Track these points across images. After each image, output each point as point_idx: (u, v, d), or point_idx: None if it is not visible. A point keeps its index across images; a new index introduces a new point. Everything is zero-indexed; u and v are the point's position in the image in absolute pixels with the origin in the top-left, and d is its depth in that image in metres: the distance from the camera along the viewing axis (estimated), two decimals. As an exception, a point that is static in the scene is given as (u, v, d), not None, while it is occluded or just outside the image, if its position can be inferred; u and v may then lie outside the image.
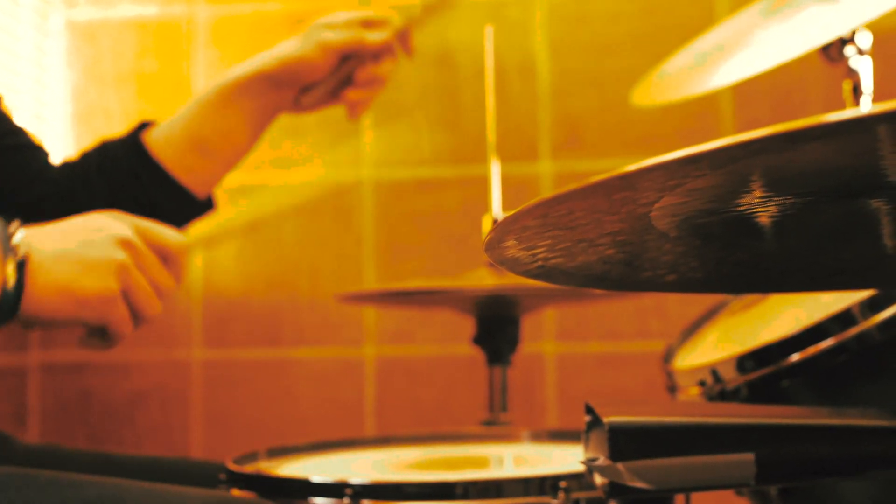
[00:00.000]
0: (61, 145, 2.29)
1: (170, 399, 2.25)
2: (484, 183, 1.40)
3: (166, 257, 1.08)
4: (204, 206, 1.38)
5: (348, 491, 0.91)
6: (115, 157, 1.33)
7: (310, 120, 2.19)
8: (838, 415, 0.76)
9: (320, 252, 2.23)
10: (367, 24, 1.35)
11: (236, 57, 2.28)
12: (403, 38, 1.38)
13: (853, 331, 0.94)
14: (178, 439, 2.24)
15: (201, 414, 2.24)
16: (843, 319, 0.95)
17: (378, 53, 1.36)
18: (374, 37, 1.35)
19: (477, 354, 1.45)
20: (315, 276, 2.23)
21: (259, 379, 2.23)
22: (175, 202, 1.34)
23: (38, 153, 1.33)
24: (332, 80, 1.36)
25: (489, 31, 1.41)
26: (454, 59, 2.20)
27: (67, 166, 1.35)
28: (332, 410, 2.20)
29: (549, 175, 2.18)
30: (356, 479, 0.93)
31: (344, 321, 2.21)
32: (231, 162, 1.38)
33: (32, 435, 2.26)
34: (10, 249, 0.95)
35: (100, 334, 1.07)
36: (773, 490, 1.02)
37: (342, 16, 1.35)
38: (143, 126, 1.35)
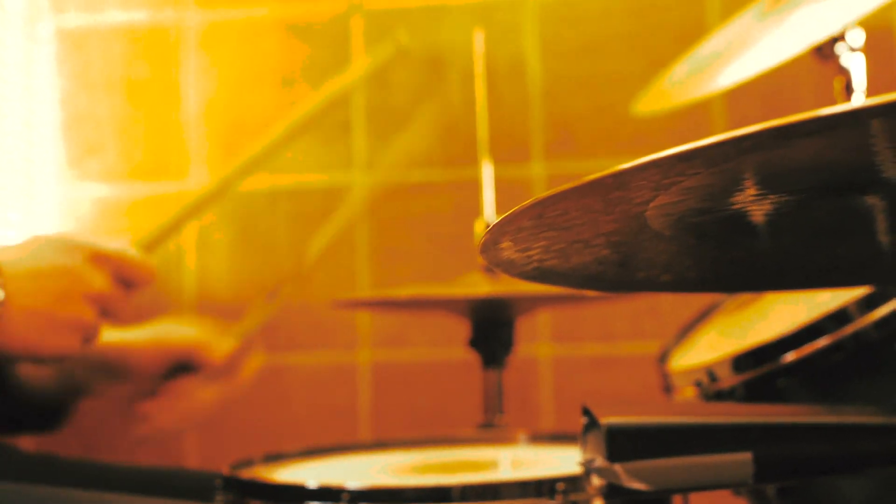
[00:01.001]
0: (50, 152, 2.28)
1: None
2: (476, 186, 1.39)
3: (132, 283, 1.09)
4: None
5: (345, 496, 0.91)
6: None
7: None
8: (835, 413, 0.76)
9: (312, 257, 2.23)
10: (206, 343, 1.32)
11: (226, 62, 2.27)
12: (233, 362, 1.36)
13: (849, 329, 0.94)
14: (172, 447, 2.23)
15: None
16: (838, 318, 0.95)
17: (206, 370, 1.32)
18: (219, 349, 1.33)
19: (472, 358, 1.44)
20: (308, 281, 2.23)
21: (253, 385, 2.23)
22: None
23: None
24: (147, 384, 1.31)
25: (479, 34, 1.40)
26: (445, 62, 2.20)
27: None
28: (327, 415, 2.20)
29: (542, 177, 2.17)
30: (353, 484, 0.92)
31: (337, 326, 2.21)
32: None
33: (27, 444, 2.25)
34: None
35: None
36: (770, 489, 1.01)
37: (188, 325, 1.33)
38: None
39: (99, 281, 1.04)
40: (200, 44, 2.28)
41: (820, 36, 1.12)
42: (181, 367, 1.29)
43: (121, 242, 1.11)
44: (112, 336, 1.25)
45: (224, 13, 2.28)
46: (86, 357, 1.22)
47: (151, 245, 1.20)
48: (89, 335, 1.04)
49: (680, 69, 1.38)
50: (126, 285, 1.08)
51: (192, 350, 1.29)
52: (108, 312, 1.05)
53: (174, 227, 1.29)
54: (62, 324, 1.01)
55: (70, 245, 1.05)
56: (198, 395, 1.30)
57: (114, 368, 1.28)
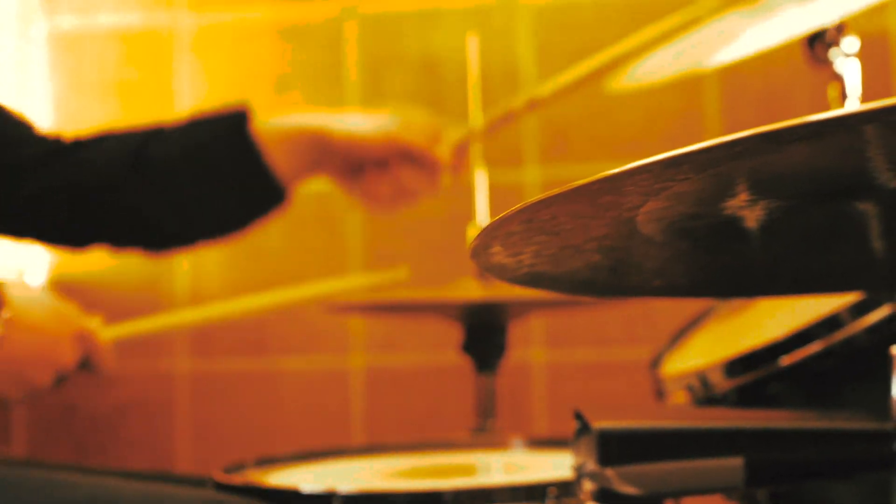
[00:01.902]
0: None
1: (155, 410, 2.24)
2: (469, 191, 1.39)
3: (91, 367, 1.17)
4: (283, 199, 1.38)
5: (337, 500, 0.91)
6: (215, 130, 1.34)
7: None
8: (826, 418, 0.77)
9: (306, 260, 2.23)
10: (437, 136, 1.38)
11: (219, 65, 2.27)
12: (457, 155, 1.39)
13: (841, 335, 0.94)
14: (163, 450, 2.23)
15: (187, 425, 2.23)
16: (830, 323, 0.95)
17: (427, 163, 1.37)
18: (441, 151, 1.38)
19: (465, 362, 1.44)
20: (301, 284, 2.22)
21: (245, 389, 2.22)
22: (262, 193, 1.35)
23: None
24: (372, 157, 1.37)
25: (474, 39, 1.41)
26: (439, 67, 2.20)
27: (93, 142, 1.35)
28: (319, 419, 2.20)
29: (536, 182, 2.18)
30: (344, 488, 0.92)
31: (330, 330, 2.20)
32: None
33: (18, 449, 2.25)
34: None
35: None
36: (762, 494, 1.01)
37: (420, 118, 1.39)
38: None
39: (69, 357, 1.12)
40: (193, 47, 2.28)
41: (808, 26, 1.12)
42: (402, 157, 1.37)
43: (96, 325, 1.17)
44: (347, 124, 1.36)
45: (217, 16, 2.28)
46: (320, 139, 1.33)
47: (123, 340, 1.25)
48: (35, 393, 1.10)
49: (659, 55, 1.38)
50: (84, 367, 1.16)
51: (417, 145, 1.36)
52: (59, 381, 1.12)
53: (149, 333, 1.36)
54: (23, 382, 1.08)
55: (66, 316, 1.12)
56: (415, 180, 1.38)
57: (340, 151, 1.35)
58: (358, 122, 1.37)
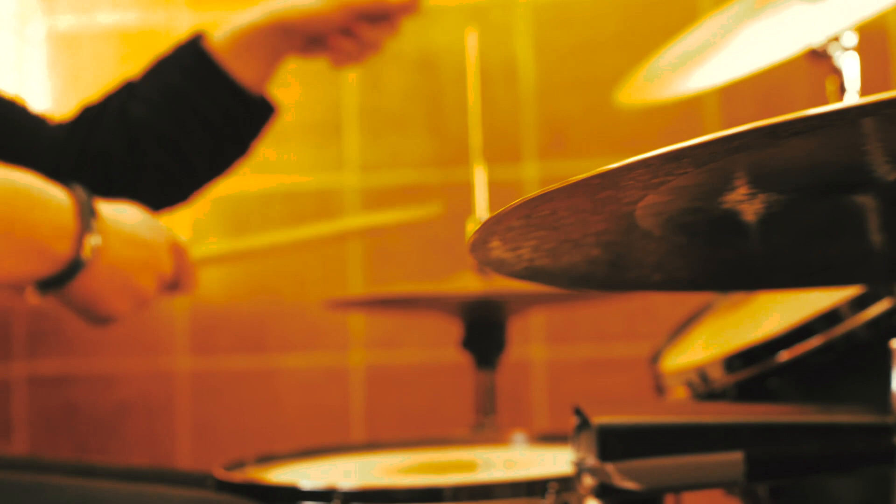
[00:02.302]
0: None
1: (156, 408, 2.24)
2: (469, 187, 1.39)
3: (177, 284, 1.19)
4: (265, 107, 1.39)
5: (337, 497, 0.91)
6: (181, 70, 1.34)
7: (293, 126, 2.18)
8: (826, 413, 0.77)
9: (305, 258, 2.23)
10: None
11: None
12: (409, 5, 1.40)
13: (840, 329, 0.94)
14: (164, 448, 2.23)
15: (188, 423, 2.23)
16: (830, 318, 0.95)
17: (386, 15, 1.38)
18: None
19: (465, 359, 1.44)
20: (300, 282, 2.22)
21: (245, 386, 2.23)
22: (239, 106, 1.35)
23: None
24: (335, 33, 1.39)
25: (472, 35, 1.40)
26: (438, 63, 2.20)
27: (91, 111, 1.35)
28: (320, 417, 2.20)
29: (535, 178, 2.17)
30: (345, 484, 0.92)
31: (330, 327, 2.20)
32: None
33: (18, 447, 2.25)
34: (90, 227, 1.04)
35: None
36: (762, 489, 1.01)
37: None
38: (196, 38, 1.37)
39: (168, 266, 1.14)
40: (193, 45, 2.28)
41: (813, 38, 1.12)
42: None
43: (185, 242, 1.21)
44: (297, 4, 1.36)
45: (215, 14, 2.28)
46: (277, 27, 1.35)
47: (203, 259, 1.28)
48: (141, 308, 1.13)
49: (665, 58, 1.37)
50: (173, 285, 1.18)
51: (370, 2, 1.37)
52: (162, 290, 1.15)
53: (227, 255, 1.42)
54: (132, 291, 1.10)
55: (158, 226, 1.15)
56: (379, 35, 1.39)
57: (300, 31, 1.37)
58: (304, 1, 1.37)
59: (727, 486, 0.92)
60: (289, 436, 2.18)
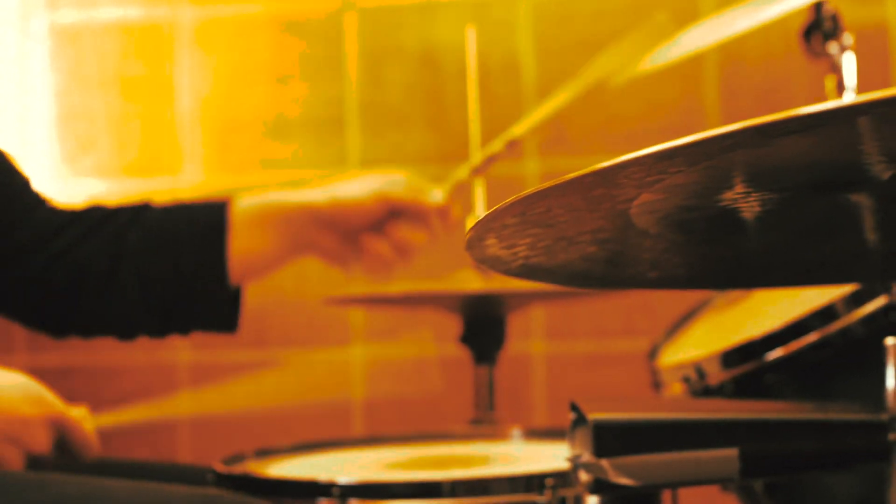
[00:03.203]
0: (45, 148, 2.28)
1: (156, 401, 2.24)
2: (469, 183, 1.40)
3: (70, 452, 1.14)
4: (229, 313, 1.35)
5: (336, 491, 0.91)
6: (189, 222, 1.30)
7: (296, 121, 2.19)
8: (822, 409, 0.77)
9: (310, 259, 2.23)
10: (423, 189, 1.35)
11: (220, 59, 2.27)
12: (447, 206, 1.36)
13: (836, 325, 0.95)
14: (165, 442, 2.24)
15: (188, 417, 2.24)
16: (826, 314, 0.96)
17: (421, 216, 1.34)
18: (435, 197, 1.34)
19: (464, 354, 1.45)
20: (302, 276, 2.23)
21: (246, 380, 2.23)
22: (216, 288, 1.31)
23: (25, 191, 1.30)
24: (367, 227, 1.34)
25: (472, 31, 1.41)
26: (438, 59, 2.20)
27: (97, 213, 1.31)
28: (320, 411, 2.20)
29: (535, 174, 2.18)
30: (344, 478, 0.93)
31: (331, 322, 2.21)
32: (247, 278, 1.36)
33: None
34: None
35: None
36: (758, 485, 1.02)
37: (404, 174, 1.35)
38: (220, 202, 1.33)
39: (41, 443, 1.09)
40: (195, 41, 2.28)
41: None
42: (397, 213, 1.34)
43: (80, 413, 1.17)
44: (331, 193, 1.31)
45: (218, 9, 2.28)
46: (312, 213, 1.31)
47: (107, 428, 1.26)
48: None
49: (661, 53, 1.38)
50: (63, 451, 1.14)
51: (409, 200, 1.33)
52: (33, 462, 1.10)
53: (136, 422, 1.38)
54: None
55: (39, 400, 1.12)
56: (415, 237, 1.36)
57: (331, 222, 1.32)
58: (344, 188, 1.33)
59: (723, 482, 0.92)
60: (289, 429, 2.18)
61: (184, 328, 1.36)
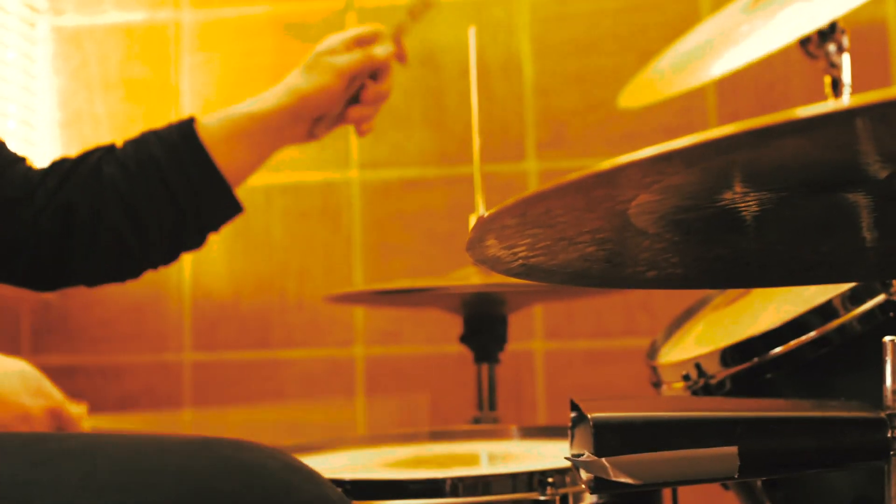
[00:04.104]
0: (49, 151, 2.29)
1: (160, 402, 2.25)
2: (470, 182, 1.40)
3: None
4: (233, 204, 1.35)
5: (339, 489, 0.92)
6: (164, 144, 1.30)
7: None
8: (820, 407, 0.77)
9: (309, 253, 2.24)
10: (363, 41, 1.35)
11: (223, 61, 2.28)
12: (397, 47, 1.39)
13: (834, 323, 0.95)
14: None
15: (192, 416, 2.25)
16: (824, 312, 0.96)
17: (379, 69, 1.36)
18: (380, 51, 1.35)
19: (466, 353, 1.45)
20: (304, 277, 2.24)
21: (249, 380, 2.24)
22: (212, 192, 1.31)
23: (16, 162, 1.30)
24: (341, 104, 1.36)
25: (472, 32, 1.41)
26: (438, 60, 2.21)
27: (68, 162, 1.31)
28: (322, 410, 2.21)
29: (536, 174, 2.18)
30: (346, 477, 0.93)
31: (333, 322, 2.22)
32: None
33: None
34: None
35: None
36: (757, 482, 1.02)
37: (337, 39, 1.34)
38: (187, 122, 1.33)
39: (38, 422, 1.10)
40: (197, 42, 2.29)
41: (806, 30, 1.13)
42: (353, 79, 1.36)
43: (79, 410, 1.17)
44: (293, 88, 1.32)
45: (220, 11, 2.29)
46: (279, 117, 1.31)
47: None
48: None
49: (664, 61, 1.38)
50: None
51: (366, 65, 1.35)
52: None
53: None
54: None
55: (41, 391, 1.10)
56: (383, 87, 1.38)
57: (306, 114, 1.34)
58: (299, 81, 1.33)
59: (722, 480, 0.93)
60: (292, 429, 2.19)
61: (194, 240, 1.34)
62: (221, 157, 1.30)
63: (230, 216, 1.35)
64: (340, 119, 1.38)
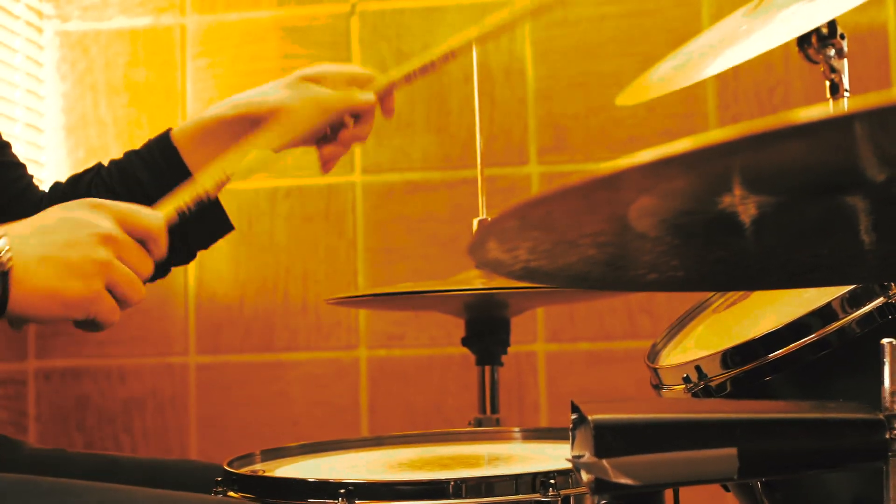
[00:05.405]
0: (55, 154, 2.30)
1: (165, 404, 2.26)
2: (472, 186, 1.41)
3: (146, 239, 1.06)
4: (221, 218, 1.34)
5: (342, 491, 0.92)
6: (147, 166, 1.30)
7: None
8: (820, 409, 0.77)
9: (312, 256, 2.24)
10: (354, 81, 1.33)
11: (227, 65, 2.29)
12: (385, 99, 1.36)
13: (833, 326, 0.95)
14: (173, 444, 2.25)
15: (196, 418, 2.25)
16: (823, 315, 0.96)
17: (362, 113, 1.33)
18: (364, 97, 1.32)
19: (468, 355, 1.46)
20: (307, 280, 2.24)
21: (253, 383, 2.24)
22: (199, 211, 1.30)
23: (20, 172, 1.31)
24: (308, 132, 1.32)
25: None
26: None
27: (62, 186, 1.33)
28: (326, 412, 2.22)
29: (538, 177, 2.19)
30: (350, 479, 0.94)
31: (336, 325, 2.22)
32: None
33: (32, 441, 2.27)
34: None
35: (89, 324, 1.05)
36: (757, 483, 1.03)
37: (331, 70, 1.32)
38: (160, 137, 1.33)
39: (105, 224, 1.02)
40: (201, 46, 2.29)
41: (805, 28, 1.13)
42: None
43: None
44: (261, 95, 1.30)
45: (224, 16, 2.30)
46: (250, 118, 1.28)
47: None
48: (108, 275, 1.01)
49: (665, 65, 1.39)
50: (139, 238, 1.06)
51: (344, 108, 1.31)
52: (123, 259, 1.03)
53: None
54: (76, 266, 0.98)
55: (83, 221, 1.03)
56: (360, 133, 1.34)
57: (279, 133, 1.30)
58: (274, 94, 1.30)
59: (722, 481, 0.93)
60: (295, 430, 2.20)
61: (185, 255, 1.34)
62: (197, 162, 1.29)
63: (218, 231, 1.34)
64: (307, 143, 1.35)
